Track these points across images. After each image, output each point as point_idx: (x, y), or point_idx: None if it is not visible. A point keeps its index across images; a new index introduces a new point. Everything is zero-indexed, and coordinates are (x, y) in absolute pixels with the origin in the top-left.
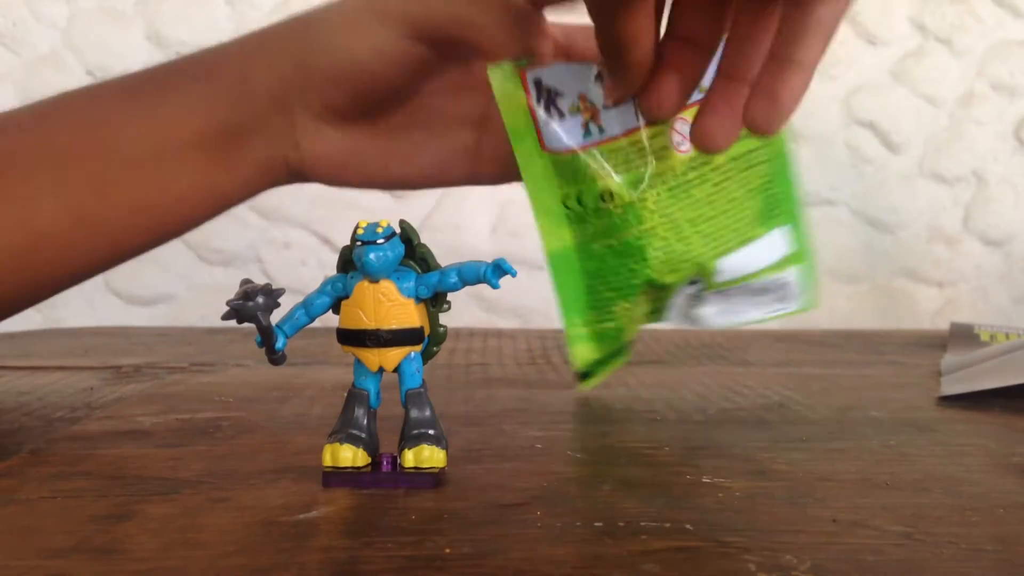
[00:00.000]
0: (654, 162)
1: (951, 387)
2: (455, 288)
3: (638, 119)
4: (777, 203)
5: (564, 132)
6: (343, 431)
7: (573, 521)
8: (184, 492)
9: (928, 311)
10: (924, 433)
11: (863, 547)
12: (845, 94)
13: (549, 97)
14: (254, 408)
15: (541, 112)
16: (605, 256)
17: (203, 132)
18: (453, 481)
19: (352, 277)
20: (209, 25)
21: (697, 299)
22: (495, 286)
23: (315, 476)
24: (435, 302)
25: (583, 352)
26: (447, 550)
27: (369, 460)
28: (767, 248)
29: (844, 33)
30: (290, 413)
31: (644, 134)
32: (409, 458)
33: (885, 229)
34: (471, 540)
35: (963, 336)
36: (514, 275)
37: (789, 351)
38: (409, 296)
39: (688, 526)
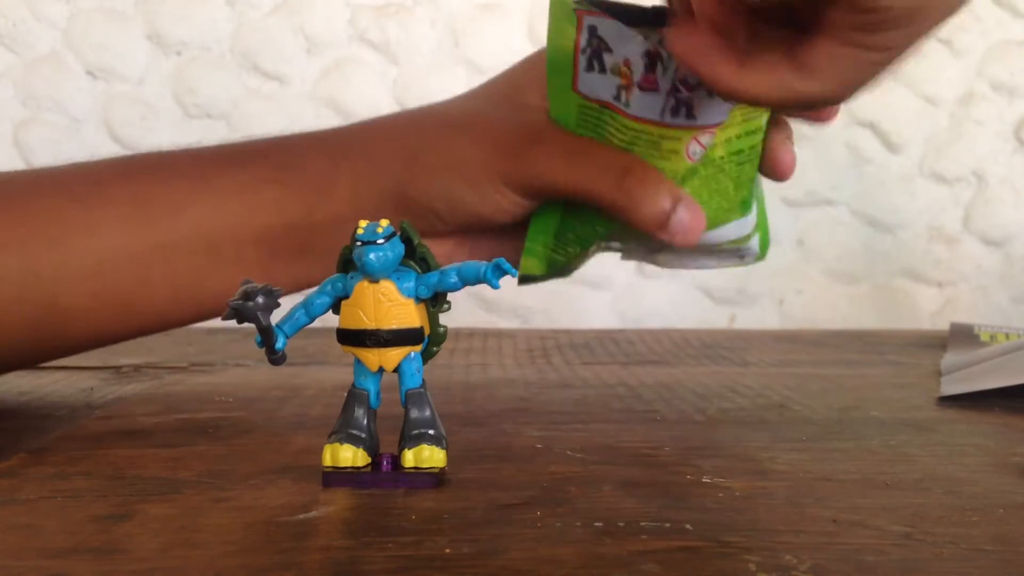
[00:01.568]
0: (660, 160)
1: (951, 387)
2: (455, 288)
3: (663, 116)
4: (754, 188)
5: (599, 85)
6: (343, 431)
7: (573, 521)
8: (184, 492)
9: (928, 311)
10: (924, 433)
11: (863, 547)
12: None
13: (597, 47)
14: (254, 408)
15: (584, 59)
16: (584, 206)
17: (268, 230)
18: (453, 481)
19: (352, 277)
20: (209, 25)
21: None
22: (495, 286)
23: (315, 476)
24: (435, 302)
25: (531, 265)
26: (447, 550)
27: (369, 460)
28: (739, 226)
29: None
30: (290, 413)
31: (660, 132)
32: (409, 458)
33: (885, 229)
34: (471, 540)
35: (963, 336)
36: (514, 275)
37: (789, 351)
38: (409, 296)
39: (688, 526)
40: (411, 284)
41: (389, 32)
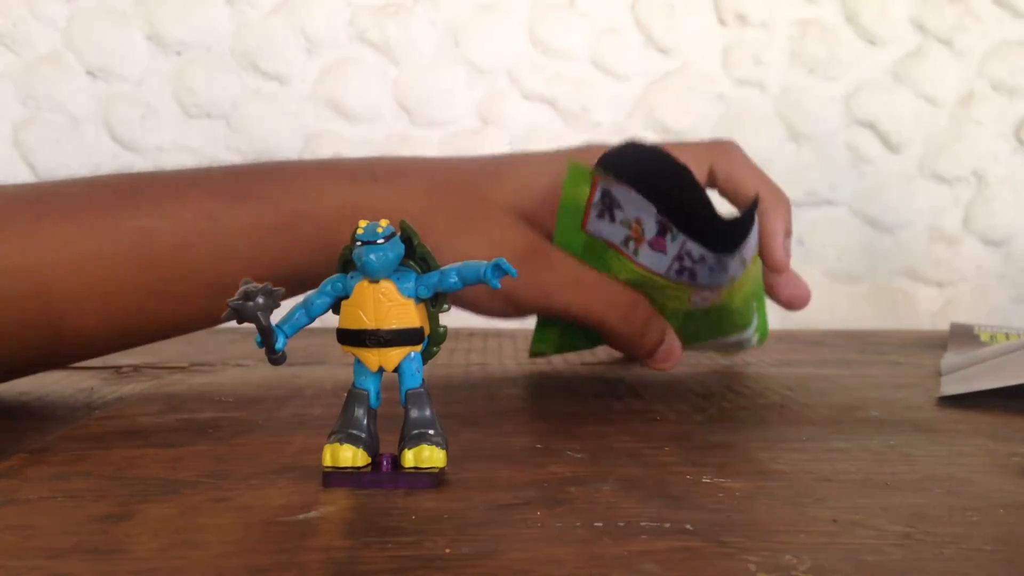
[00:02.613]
0: (666, 300)
1: (951, 387)
2: (455, 288)
3: (668, 274)
4: (756, 300)
5: (607, 231)
6: (343, 431)
7: (573, 521)
8: (184, 492)
9: (928, 311)
10: (924, 433)
11: (863, 547)
12: (845, 94)
13: (609, 204)
14: (254, 408)
15: (595, 210)
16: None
17: (272, 273)
18: (453, 481)
19: (352, 277)
20: (209, 25)
21: None
22: (495, 286)
23: (315, 476)
24: (435, 302)
25: (542, 347)
26: (447, 550)
27: (369, 460)
28: (741, 335)
29: (844, 33)
30: (290, 413)
31: (665, 283)
32: (409, 458)
33: (885, 229)
34: (471, 540)
35: (963, 336)
36: (514, 275)
37: (789, 351)
38: (409, 296)
39: (688, 526)
40: (411, 284)
41: (389, 32)
